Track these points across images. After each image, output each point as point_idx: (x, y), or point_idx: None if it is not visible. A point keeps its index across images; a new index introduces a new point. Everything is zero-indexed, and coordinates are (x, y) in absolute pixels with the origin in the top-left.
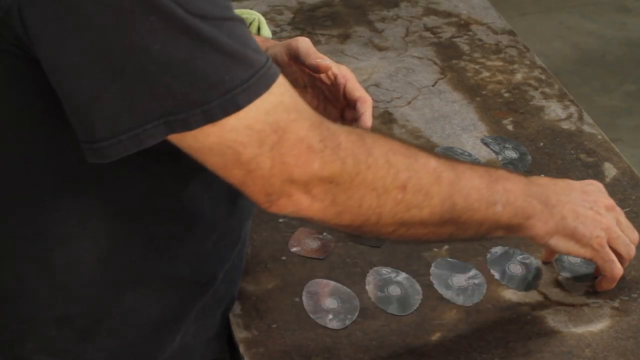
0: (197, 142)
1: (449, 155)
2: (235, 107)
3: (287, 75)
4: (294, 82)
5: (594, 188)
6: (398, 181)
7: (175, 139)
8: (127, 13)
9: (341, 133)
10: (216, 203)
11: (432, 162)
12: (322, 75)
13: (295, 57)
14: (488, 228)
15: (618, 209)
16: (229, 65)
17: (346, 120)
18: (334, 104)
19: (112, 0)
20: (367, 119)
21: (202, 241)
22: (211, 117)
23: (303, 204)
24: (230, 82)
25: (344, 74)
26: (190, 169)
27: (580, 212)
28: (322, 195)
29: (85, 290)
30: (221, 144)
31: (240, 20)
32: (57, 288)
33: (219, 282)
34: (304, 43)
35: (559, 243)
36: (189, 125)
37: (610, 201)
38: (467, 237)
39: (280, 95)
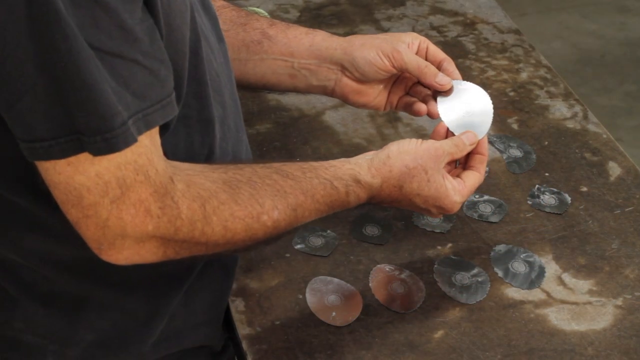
0: (48, 175)
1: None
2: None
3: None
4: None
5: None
6: (232, 242)
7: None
8: (36, 28)
9: (183, 202)
10: None
11: (274, 215)
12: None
13: (401, 70)
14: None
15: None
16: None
17: (415, 94)
18: (398, 84)
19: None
20: (457, 74)
21: None
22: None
23: (134, 257)
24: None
25: (422, 39)
26: None
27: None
28: (154, 250)
29: (67, 269)
30: (68, 184)
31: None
32: (37, 269)
33: (206, 264)
34: (410, 59)
35: None
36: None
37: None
38: None
39: (138, 154)
